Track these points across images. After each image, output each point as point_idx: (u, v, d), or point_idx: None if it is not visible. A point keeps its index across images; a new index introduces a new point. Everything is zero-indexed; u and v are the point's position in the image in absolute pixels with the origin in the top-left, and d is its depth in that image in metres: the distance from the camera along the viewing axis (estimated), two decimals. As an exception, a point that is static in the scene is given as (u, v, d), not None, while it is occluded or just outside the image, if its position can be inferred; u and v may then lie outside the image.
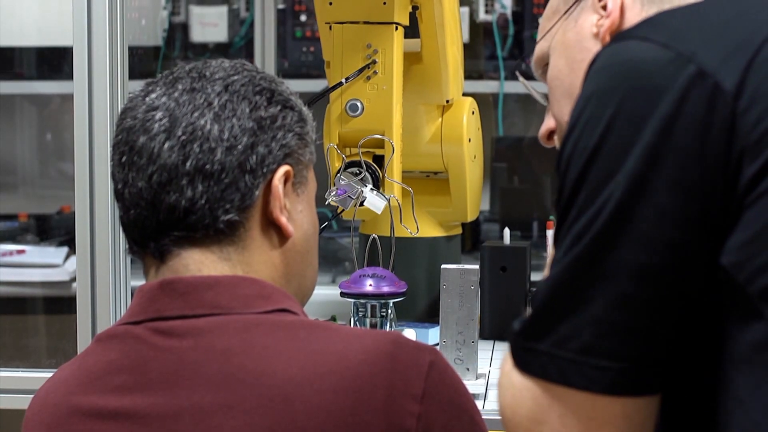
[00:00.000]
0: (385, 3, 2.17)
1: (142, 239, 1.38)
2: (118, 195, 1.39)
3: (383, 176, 2.19)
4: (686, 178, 1.11)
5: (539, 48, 1.60)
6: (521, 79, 1.76)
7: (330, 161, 2.22)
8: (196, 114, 1.36)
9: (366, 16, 2.19)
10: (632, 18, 1.45)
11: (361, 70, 2.18)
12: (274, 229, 1.39)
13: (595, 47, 1.47)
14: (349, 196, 2.16)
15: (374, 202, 2.16)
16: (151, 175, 1.35)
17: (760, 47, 1.14)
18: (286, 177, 1.39)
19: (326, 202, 2.16)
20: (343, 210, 2.19)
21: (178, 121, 1.35)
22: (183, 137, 1.35)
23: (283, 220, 1.39)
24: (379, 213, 2.17)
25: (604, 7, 1.48)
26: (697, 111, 1.12)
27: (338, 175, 2.17)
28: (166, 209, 1.34)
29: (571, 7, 1.53)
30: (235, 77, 1.40)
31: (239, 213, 1.36)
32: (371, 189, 2.16)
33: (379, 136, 2.18)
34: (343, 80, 2.18)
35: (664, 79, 1.13)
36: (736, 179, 1.11)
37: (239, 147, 1.35)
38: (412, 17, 2.28)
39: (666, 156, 1.12)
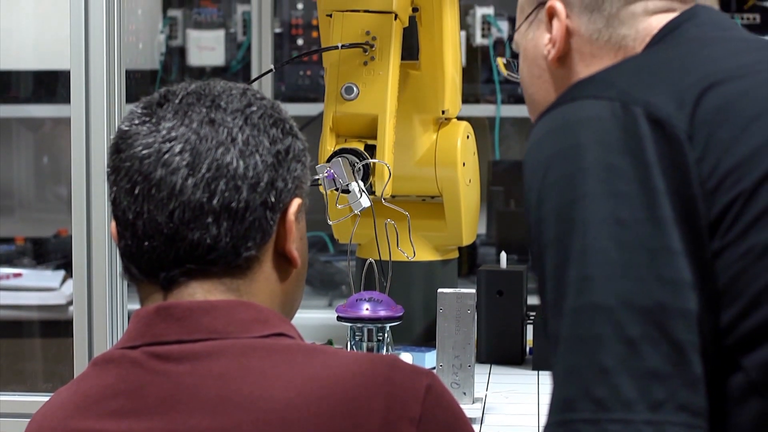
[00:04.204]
0: None
1: (150, 269, 1.35)
2: (127, 224, 1.35)
3: (374, 165, 2.19)
4: (681, 214, 1.16)
5: (515, 40, 1.55)
6: (501, 67, 1.74)
7: (322, 145, 2.24)
8: (221, 150, 1.33)
9: (366, 4, 2.22)
10: (579, 41, 1.42)
11: (358, 44, 2.20)
12: (282, 260, 1.39)
13: (547, 71, 1.45)
14: (334, 180, 2.14)
15: (357, 200, 2.14)
16: (172, 211, 1.32)
17: (700, 97, 1.19)
18: (298, 209, 1.39)
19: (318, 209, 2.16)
20: (318, 184, 2.17)
21: (201, 156, 1.33)
22: (208, 174, 1.32)
23: (295, 253, 1.39)
24: (357, 212, 2.16)
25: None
26: (664, 153, 1.17)
27: (333, 158, 2.16)
28: (188, 245, 1.33)
29: (530, 14, 1.48)
30: (252, 108, 1.37)
31: (258, 249, 1.36)
32: (360, 190, 2.15)
33: (372, 143, 2.19)
34: (339, 45, 2.21)
35: (626, 131, 1.18)
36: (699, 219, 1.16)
37: (261, 184, 1.34)
38: (412, 23, 2.30)
39: (657, 196, 1.16)
